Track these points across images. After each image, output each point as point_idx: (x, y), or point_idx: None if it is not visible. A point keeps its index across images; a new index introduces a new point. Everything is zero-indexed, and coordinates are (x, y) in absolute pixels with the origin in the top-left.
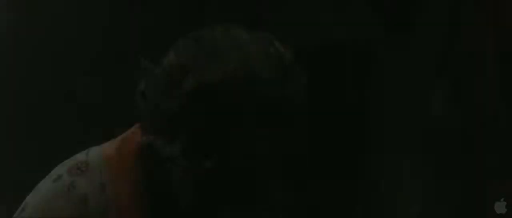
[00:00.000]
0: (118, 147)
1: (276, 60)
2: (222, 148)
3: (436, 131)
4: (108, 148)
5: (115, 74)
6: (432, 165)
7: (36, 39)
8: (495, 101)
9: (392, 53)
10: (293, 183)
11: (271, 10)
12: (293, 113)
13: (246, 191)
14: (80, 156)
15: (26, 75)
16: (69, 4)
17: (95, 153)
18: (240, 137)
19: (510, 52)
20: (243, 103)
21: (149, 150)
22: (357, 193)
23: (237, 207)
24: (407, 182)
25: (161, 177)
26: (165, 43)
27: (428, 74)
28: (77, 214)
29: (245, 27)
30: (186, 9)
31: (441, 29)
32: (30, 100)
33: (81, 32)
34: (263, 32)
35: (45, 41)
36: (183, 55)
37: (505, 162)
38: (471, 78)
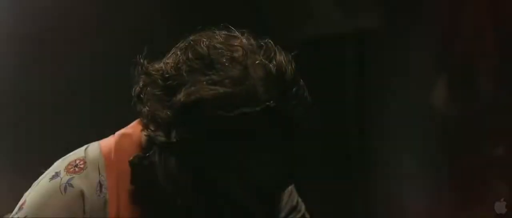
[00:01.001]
0: (117, 143)
1: (275, 79)
2: (213, 161)
3: (436, 124)
4: (107, 143)
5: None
6: (432, 160)
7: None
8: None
9: (392, 44)
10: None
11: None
12: (291, 133)
13: (241, 194)
14: (78, 153)
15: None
16: (70, 3)
17: (93, 149)
18: (231, 158)
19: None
20: (234, 123)
21: (148, 144)
22: (356, 190)
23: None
24: (407, 177)
25: (159, 171)
26: (162, 40)
27: (428, 67)
28: (74, 213)
29: (248, 32)
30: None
31: (441, 21)
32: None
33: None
34: (267, 40)
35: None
36: (180, 63)
37: (505, 160)
38: (471, 69)
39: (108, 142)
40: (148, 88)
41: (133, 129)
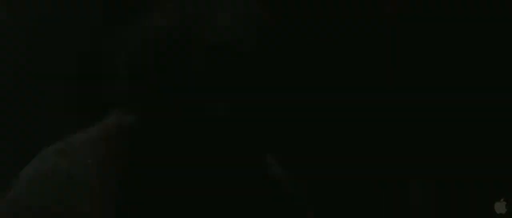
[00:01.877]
0: (104, 128)
1: (241, 11)
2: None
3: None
4: (93, 130)
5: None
6: (432, 159)
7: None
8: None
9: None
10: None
11: None
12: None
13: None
14: (65, 140)
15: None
16: None
17: (80, 136)
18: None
19: None
20: (193, 47)
21: (128, 127)
22: (358, 190)
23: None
24: (408, 177)
25: (140, 149)
26: None
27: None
28: (61, 193)
29: None
30: None
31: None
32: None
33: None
34: None
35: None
36: (154, 12)
37: (505, 160)
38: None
39: (95, 129)
40: (129, 51)
41: (118, 114)
